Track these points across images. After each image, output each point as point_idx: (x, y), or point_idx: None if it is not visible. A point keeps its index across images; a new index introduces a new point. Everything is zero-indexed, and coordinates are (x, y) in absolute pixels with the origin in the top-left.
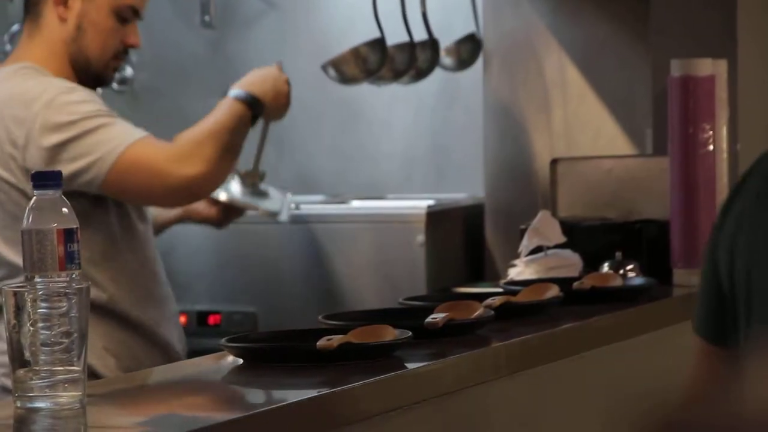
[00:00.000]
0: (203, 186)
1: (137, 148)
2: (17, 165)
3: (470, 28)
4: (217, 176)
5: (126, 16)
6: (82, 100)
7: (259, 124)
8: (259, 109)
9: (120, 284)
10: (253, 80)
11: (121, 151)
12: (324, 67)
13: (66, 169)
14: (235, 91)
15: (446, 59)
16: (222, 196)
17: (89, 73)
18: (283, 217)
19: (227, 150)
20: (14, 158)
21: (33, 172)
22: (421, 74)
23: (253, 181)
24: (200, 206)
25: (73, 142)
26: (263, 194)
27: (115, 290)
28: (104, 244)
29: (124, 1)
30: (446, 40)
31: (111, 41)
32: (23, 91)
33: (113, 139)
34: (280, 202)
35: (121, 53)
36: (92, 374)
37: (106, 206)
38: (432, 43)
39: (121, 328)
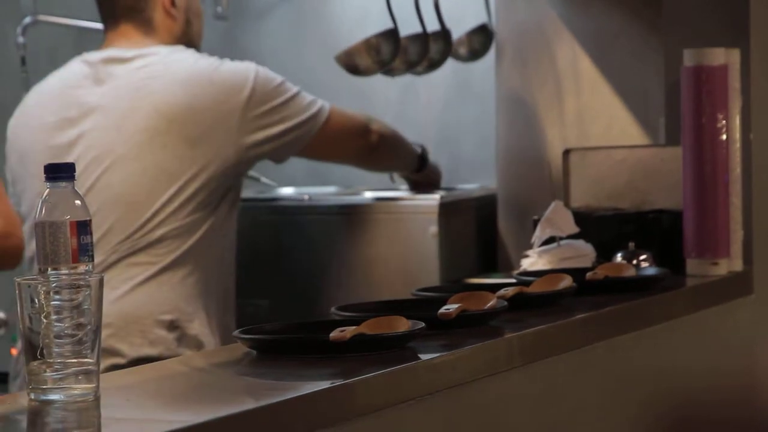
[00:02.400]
0: (381, 151)
1: (337, 109)
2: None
3: (482, 19)
4: (389, 156)
5: None
6: (266, 68)
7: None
8: (422, 169)
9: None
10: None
11: (329, 110)
12: (337, 58)
13: (280, 127)
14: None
15: (458, 50)
16: None
17: None
18: None
19: (395, 151)
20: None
21: (45, 164)
22: (433, 65)
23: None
24: None
25: (285, 104)
26: None
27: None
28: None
29: None
30: (458, 30)
31: (203, 24)
32: (225, 67)
33: (316, 101)
34: None
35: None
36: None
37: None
38: (444, 34)
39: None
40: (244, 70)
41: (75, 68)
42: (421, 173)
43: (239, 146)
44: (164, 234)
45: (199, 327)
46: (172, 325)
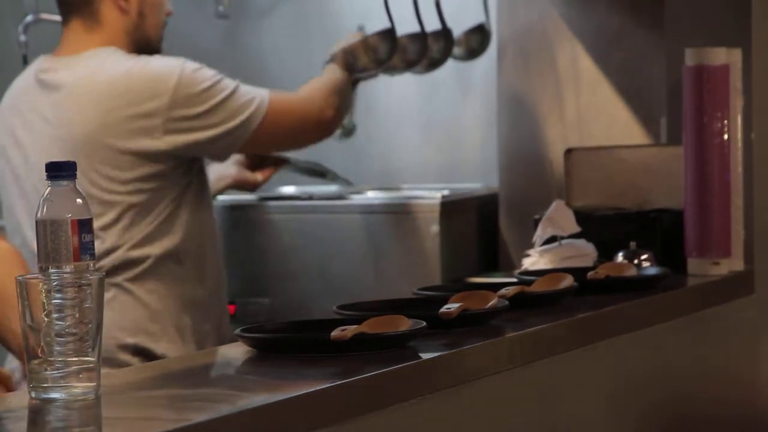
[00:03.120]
0: (333, 127)
1: (276, 100)
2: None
3: (480, 19)
4: (340, 120)
5: None
6: (200, 67)
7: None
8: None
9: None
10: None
11: (267, 104)
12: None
13: (208, 133)
14: (329, 60)
15: (456, 49)
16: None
17: (149, 53)
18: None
19: (344, 100)
20: (148, 130)
21: (47, 162)
22: (434, 64)
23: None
24: (248, 174)
25: (220, 106)
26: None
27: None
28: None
29: None
30: (457, 30)
31: (162, 16)
32: (148, 69)
33: (254, 97)
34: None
35: (164, 24)
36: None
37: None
38: (445, 33)
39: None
40: (167, 71)
41: (21, 84)
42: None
43: (170, 146)
44: (117, 257)
45: (167, 345)
46: (136, 349)
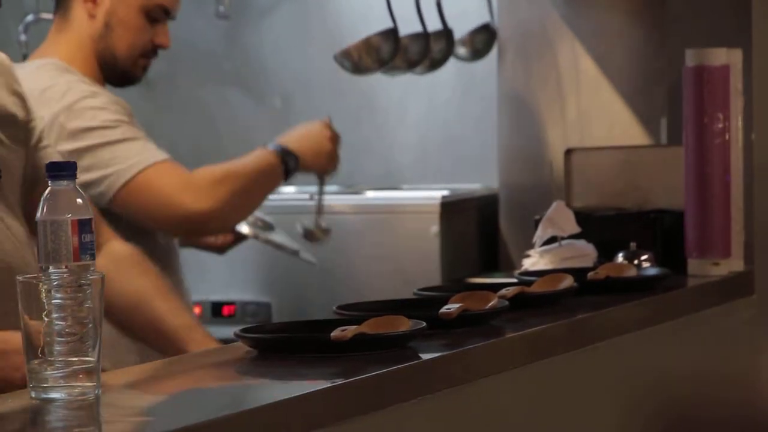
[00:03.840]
0: (209, 223)
1: (153, 172)
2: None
3: (485, 18)
4: (226, 217)
5: (156, 16)
6: (103, 107)
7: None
8: (292, 163)
9: None
10: (295, 135)
11: (137, 171)
12: (336, 57)
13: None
14: (273, 143)
15: (460, 49)
16: (244, 228)
17: (116, 71)
18: (308, 257)
19: (243, 193)
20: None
21: (47, 162)
22: (435, 64)
23: (316, 239)
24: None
25: (90, 152)
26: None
27: None
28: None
29: (154, 0)
30: (460, 30)
31: (139, 40)
32: (45, 88)
33: (130, 158)
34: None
35: (150, 52)
36: None
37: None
38: (446, 33)
39: None
40: (59, 88)
41: None
42: (293, 161)
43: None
44: None
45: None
46: None
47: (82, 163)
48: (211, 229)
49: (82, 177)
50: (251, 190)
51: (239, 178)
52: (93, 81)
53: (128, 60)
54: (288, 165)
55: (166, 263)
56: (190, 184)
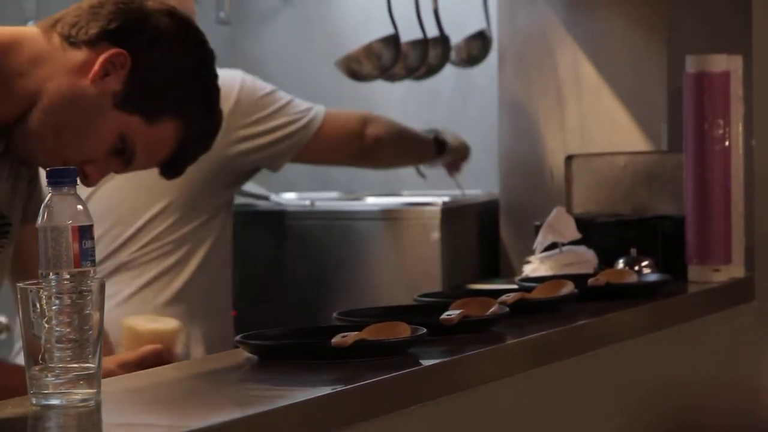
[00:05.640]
0: (375, 153)
1: (331, 111)
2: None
3: (482, 25)
4: (385, 152)
5: None
6: (257, 78)
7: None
8: (441, 154)
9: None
10: (458, 149)
11: (322, 117)
12: (337, 64)
13: (261, 140)
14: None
15: (457, 56)
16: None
17: None
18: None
19: (398, 149)
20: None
21: (48, 169)
22: (432, 70)
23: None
24: None
25: (274, 115)
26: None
27: None
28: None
29: None
30: (458, 36)
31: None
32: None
33: (311, 105)
34: None
35: None
36: None
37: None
38: (443, 40)
39: None
40: (229, 80)
41: None
42: (443, 156)
43: (225, 157)
44: (149, 250)
45: (178, 347)
46: None
47: (262, 128)
48: (375, 159)
49: (266, 139)
50: (409, 147)
51: (410, 139)
52: None
53: None
54: (440, 143)
55: (223, 270)
56: (362, 120)
